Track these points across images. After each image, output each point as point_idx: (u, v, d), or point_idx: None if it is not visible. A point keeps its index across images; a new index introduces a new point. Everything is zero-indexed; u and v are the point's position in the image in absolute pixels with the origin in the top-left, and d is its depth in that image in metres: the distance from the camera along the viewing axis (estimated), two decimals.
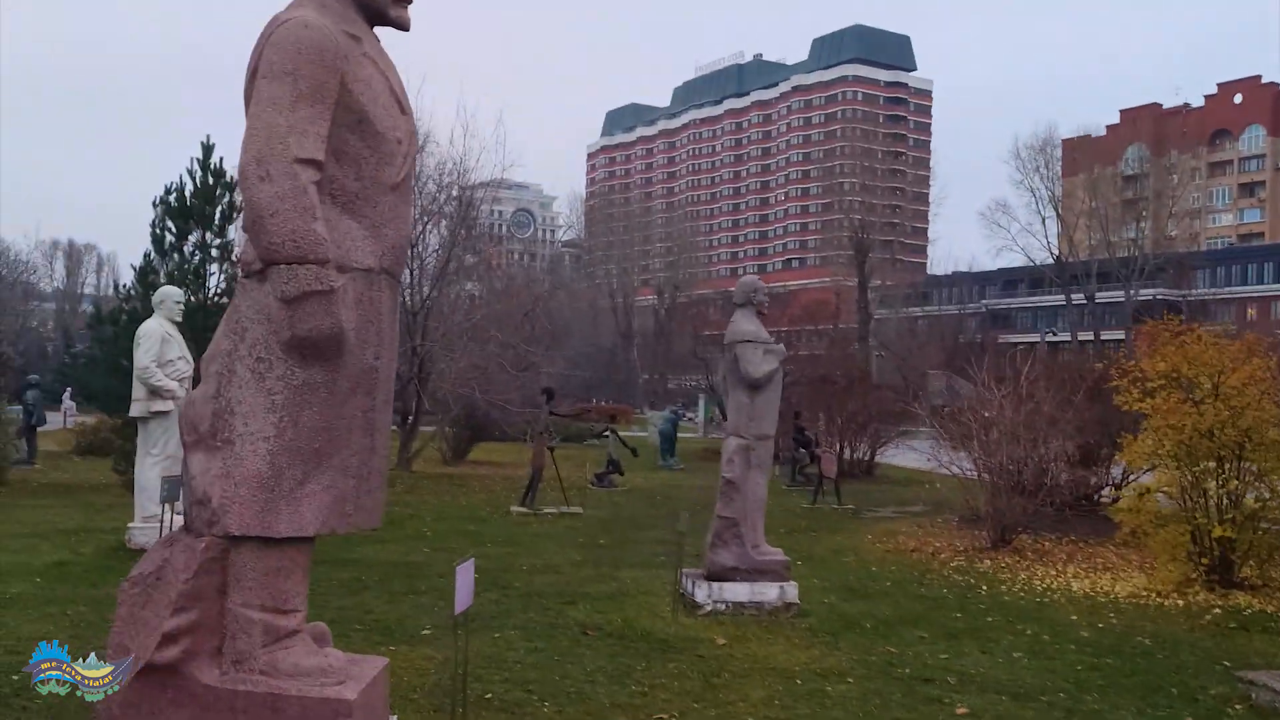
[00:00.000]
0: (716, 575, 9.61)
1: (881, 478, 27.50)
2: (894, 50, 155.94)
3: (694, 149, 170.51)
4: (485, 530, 15.51)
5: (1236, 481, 11.70)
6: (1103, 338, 70.28)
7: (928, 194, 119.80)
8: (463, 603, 6.11)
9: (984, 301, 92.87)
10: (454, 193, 26.49)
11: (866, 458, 28.27)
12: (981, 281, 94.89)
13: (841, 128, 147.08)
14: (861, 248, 71.56)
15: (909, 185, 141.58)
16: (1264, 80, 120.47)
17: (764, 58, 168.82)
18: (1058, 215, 76.73)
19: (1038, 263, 78.12)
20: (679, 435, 33.54)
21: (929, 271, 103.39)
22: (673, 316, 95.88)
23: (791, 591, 9.67)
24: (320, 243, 4.10)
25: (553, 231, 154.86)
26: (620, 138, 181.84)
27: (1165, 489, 12.40)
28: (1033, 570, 13.18)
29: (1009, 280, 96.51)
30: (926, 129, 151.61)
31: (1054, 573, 13.05)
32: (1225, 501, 11.90)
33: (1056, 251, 75.48)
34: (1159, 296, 79.77)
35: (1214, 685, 7.65)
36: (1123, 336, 71.03)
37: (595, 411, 48.16)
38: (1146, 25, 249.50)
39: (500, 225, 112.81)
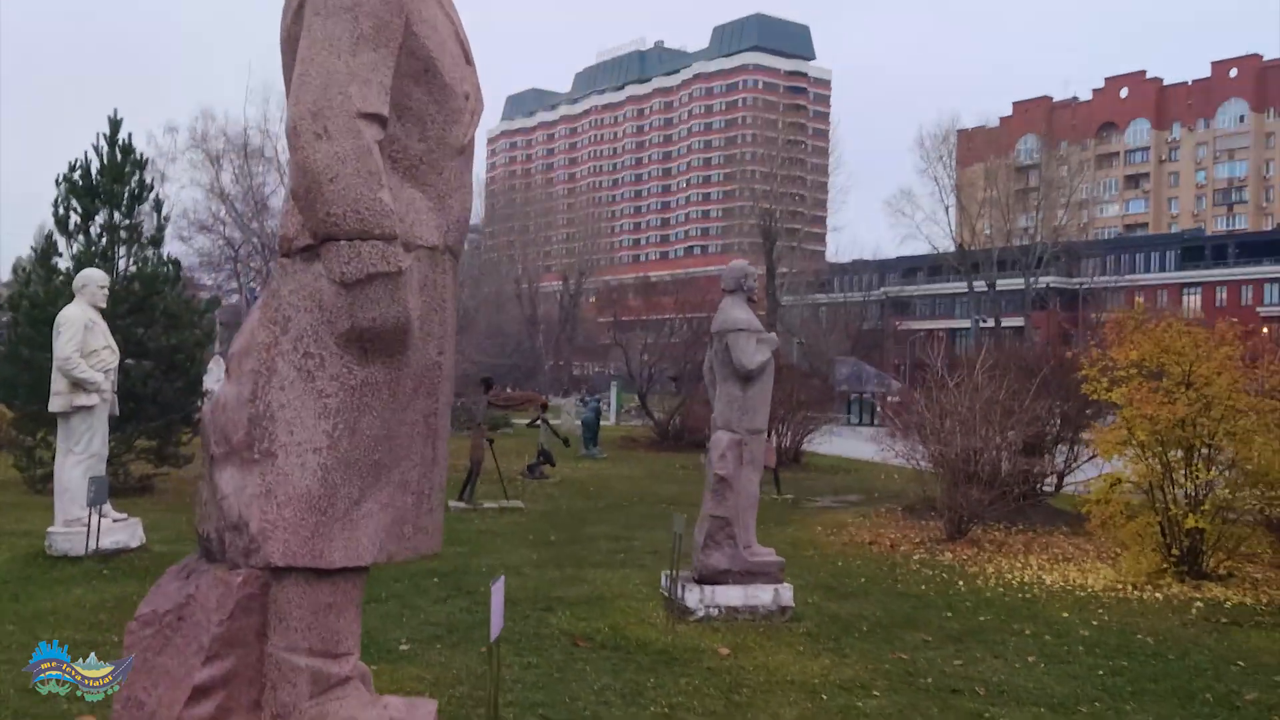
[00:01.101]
0: (708, 578, 9.05)
1: (810, 466, 27.29)
2: (794, 40, 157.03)
3: (596, 135, 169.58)
4: None
5: (1213, 471, 11.56)
6: (1003, 324, 71.65)
7: (827, 182, 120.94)
8: (497, 626, 5.44)
9: (884, 289, 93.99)
10: None
11: (794, 446, 28.05)
12: (882, 269, 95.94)
13: (742, 115, 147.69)
14: (769, 235, 71.67)
15: (809, 174, 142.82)
16: (1148, 75, 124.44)
17: (665, 45, 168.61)
18: (959, 204, 77.93)
19: (940, 250, 79.31)
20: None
21: (830, 259, 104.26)
22: (578, 303, 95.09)
23: (786, 594, 9.17)
24: (387, 214, 3.41)
25: None
26: (521, 123, 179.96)
27: (1135, 479, 12.24)
28: (997, 563, 12.93)
29: (909, 268, 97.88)
30: (825, 118, 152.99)
31: (1019, 565, 12.82)
32: (1197, 492, 11.76)
33: (958, 240, 76.67)
34: (1051, 285, 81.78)
35: (1246, 689, 7.37)
36: (1022, 323, 72.58)
37: (530, 401, 47.18)
38: (1043, 17, 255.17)
39: None
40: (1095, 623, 9.65)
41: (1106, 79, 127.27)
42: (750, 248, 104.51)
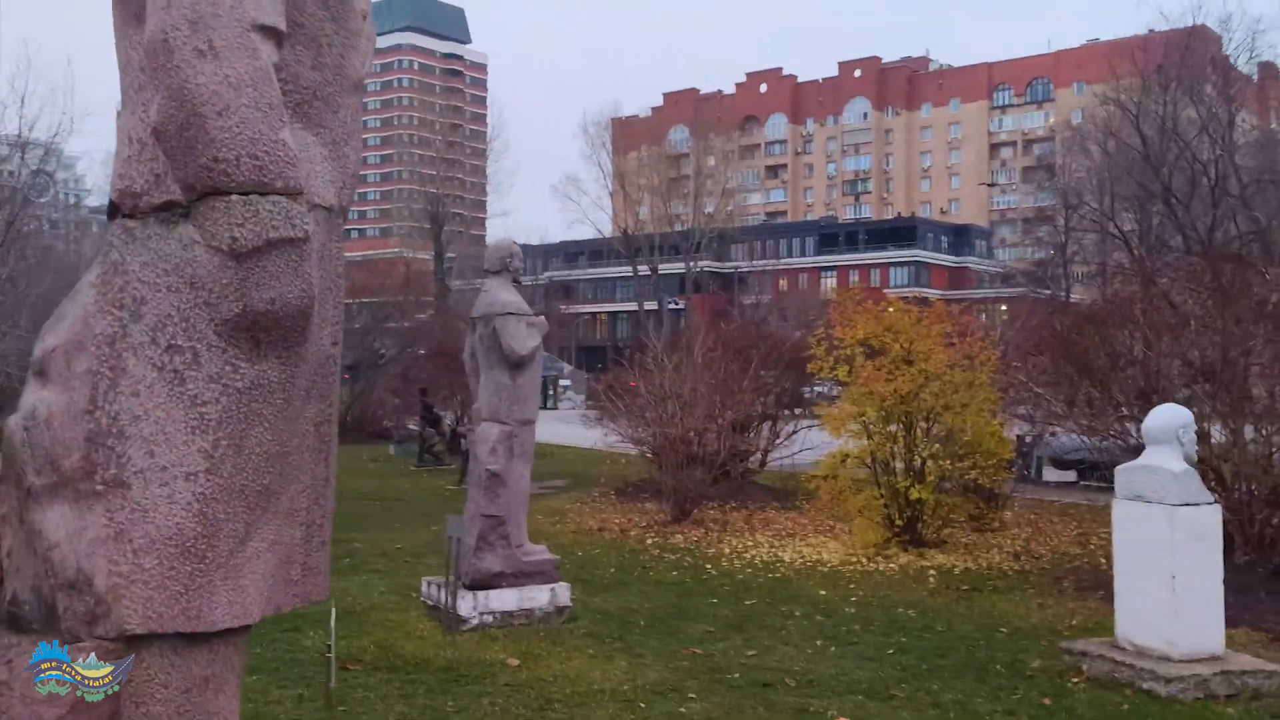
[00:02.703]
0: (481, 583, 8.34)
1: None
2: (448, 22, 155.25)
3: None
4: None
5: (935, 446, 12.09)
6: (668, 307, 74.15)
7: (484, 166, 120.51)
8: None
9: (547, 273, 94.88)
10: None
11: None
12: (546, 254, 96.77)
13: (398, 96, 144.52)
14: (436, 220, 70.37)
15: (468, 159, 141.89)
16: (784, 72, 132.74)
17: None
18: (622, 190, 79.81)
19: (605, 235, 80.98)
20: None
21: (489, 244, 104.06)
22: None
23: (564, 594, 8.63)
24: (292, 161, 2.60)
25: (78, 196, 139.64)
26: None
27: (860, 455, 12.64)
28: (729, 542, 13.00)
29: (571, 253, 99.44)
30: (484, 102, 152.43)
31: (751, 544, 12.95)
32: (920, 464, 12.28)
33: (622, 225, 78.53)
34: (706, 269, 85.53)
35: (1026, 657, 7.59)
36: (682, 306, 75.41)
37: None
38: (694, 12, 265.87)
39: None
40: (854, 599, 9.78)
41: (748, 74, 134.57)
42: (413, 231, 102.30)
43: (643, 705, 6.45)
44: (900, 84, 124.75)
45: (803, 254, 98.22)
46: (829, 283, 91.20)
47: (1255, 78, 45.62)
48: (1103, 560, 11.76)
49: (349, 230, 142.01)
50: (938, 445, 12.02)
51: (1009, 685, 6.92)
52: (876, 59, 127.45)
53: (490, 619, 8.25)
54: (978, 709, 6.42)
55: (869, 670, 7.29)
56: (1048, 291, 50.26)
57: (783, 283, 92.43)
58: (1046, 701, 6.54)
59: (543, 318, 8.85)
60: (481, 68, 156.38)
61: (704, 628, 8.54)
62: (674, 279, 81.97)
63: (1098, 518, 14.92)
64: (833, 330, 13.22)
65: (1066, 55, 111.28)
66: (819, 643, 8.07)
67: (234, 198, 2.53)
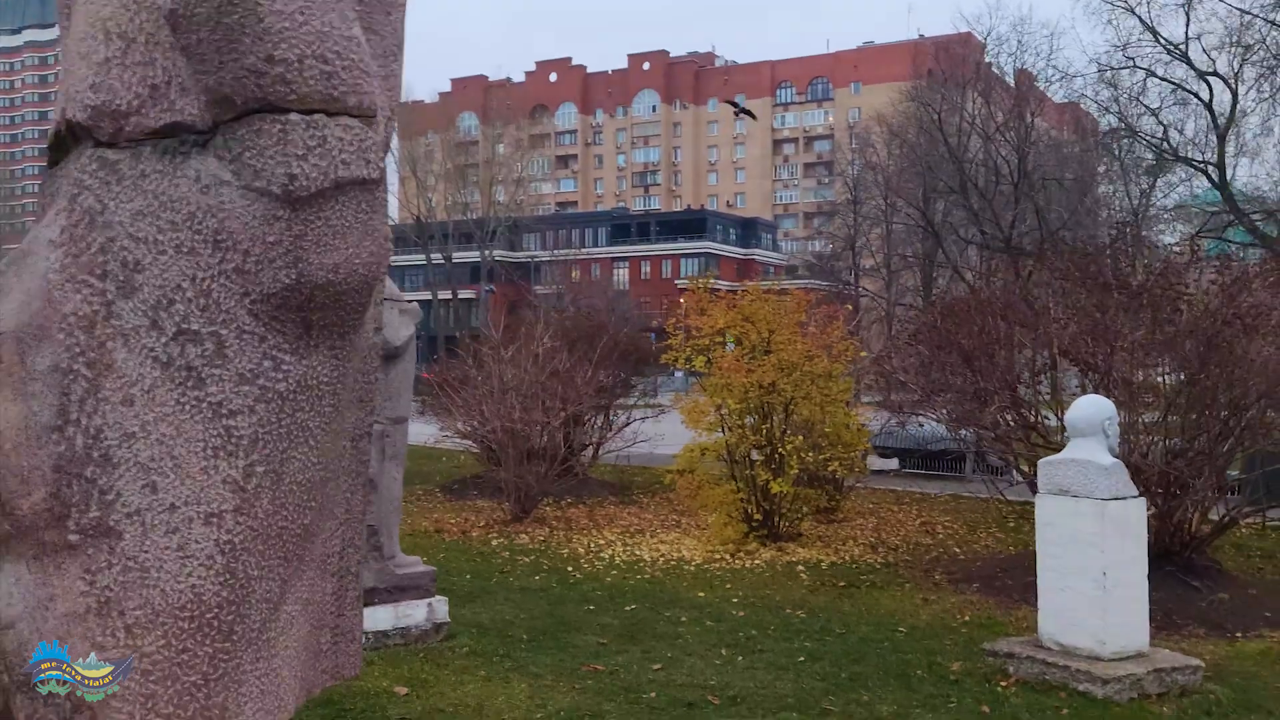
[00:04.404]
0: None
1: None
2: None
3: None
4: None
5: (799, 437, 11.81)
6: (460, 295, 72.61)
7: None
8: None
9: None
10: None
11: None
12: None
13: None
14: None
15: None
16: (574, 62, 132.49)
17: None
18: (414, 176, 77.65)
19: (398, 222, 78.67)
20: None
21: None
22: None
23: (441, 609, 7.82)
24: (367, 69, 1.87)
25: None
26: None
27: (718, 448, 12.27)
28: (580, 541, 12.41)
29: None
30: None
31: (603, 542, 12.40)
32: (780, 457, 11.99)
33: (415, 212, 76.45)
34: (498, 258, 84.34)
35: (943, 659, 7.31)
36: (475, 295, 74.04)
37: None
38: None
39: None
40: (735, 600, 9.36)
41: (538, 63, 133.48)
42: None
43: None
44: (688, 78, 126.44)
45: (596, 244, 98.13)
46: (622, 273, 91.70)
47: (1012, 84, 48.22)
48: (957, 550, 11.81)
49: None
50: (800, 437, 11.74)
51: (939, 693, 6.59)
52: (665, 53, 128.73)
53: (366, 640, 7.36)
54: None
55: (788, 682, 6.83)
56: (833, 284, 51.71)
57: (575, 272, 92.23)
58: (985, 709, 6.24)
59: (415, 304, 8.01)
60: None
61: (594, 639, 7.91)
62: (466, 268, 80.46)
63: (933, 505, 15.14)
64: (686, 320, 12.78)
65: (845, 56, 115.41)
66: (723, 652, 7.56)
67: (293, 117, 1.77)
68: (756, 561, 11.15)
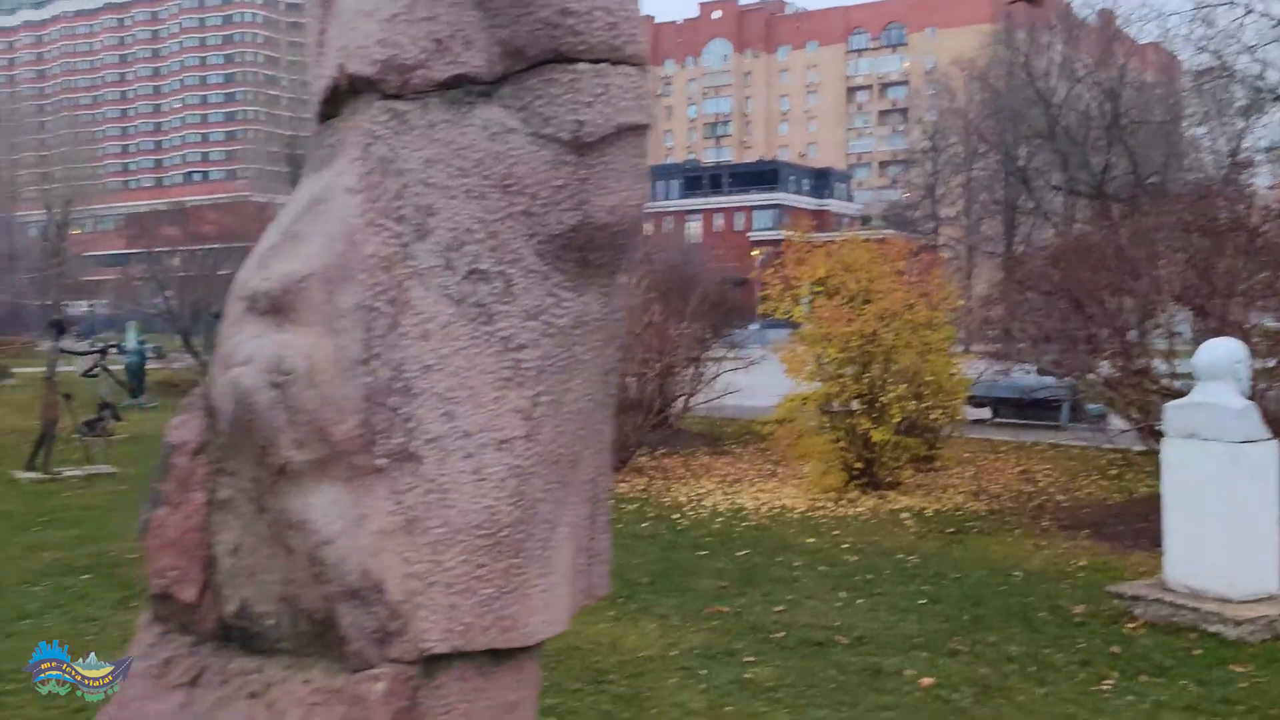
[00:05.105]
0: None
1: None
2: None
3: (68, 46, 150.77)
4: (12, 508, 11.70)
5: (903, 386, 11.82)
6: None
7: None
8: None
9: None
10: None
11: None
12: None
13: (240, 32, 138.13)
14: (295, 161, 67.63)
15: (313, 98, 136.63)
16: (643, 12, 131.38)
17: None
18: None
19: None
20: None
21: None
22: (65, 235, 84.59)
23: None
24: (639, 19, 1.98)
25: None
26: None
27: (818, 397, 12.31)
28: (680, 490, 12.57)
29: None
30: None
31: (703, 490, 12.55)
32: (879, 405, 12.02)
33: None
34: None
35: (1070, 603, 7.34)
36: None
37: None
38: None
39: None
40: (845, 546, 9.45)
41: None
42: (260, 174, 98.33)
43: (704, 672, 5.96)
44: (759, 26, 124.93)
45: (668, 197, 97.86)
46: (694, 225, 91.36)
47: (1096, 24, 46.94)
48: (1060, 497, 11.77)
49: (191, 173, 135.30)
50: (903, 385, 11.75)
51: (1065, 634, 6.65)
52: (735, 1, 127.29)
53: None
54: (1051, 660, 6.13)
55: (912, 623, 6.94)
56: (911, 233, 51.10)
57: (650, 225, 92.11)
58: (1115, 650, 6.29)
59: None
60: None
61: (712, 583, 8.08)
62: None
63: (1030, 454, 15.07)
64: (784, 270, 12.80)
65: (921, 0, 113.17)
66: (842, 595, 7.69)
67: (582, 67, 1.88)
68: (859, 509, 11.22)
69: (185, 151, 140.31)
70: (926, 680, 5.78)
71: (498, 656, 2.02)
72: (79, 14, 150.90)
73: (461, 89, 1.96)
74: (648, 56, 1.98)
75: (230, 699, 2.00)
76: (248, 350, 1.99)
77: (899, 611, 7.23)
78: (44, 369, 15.90)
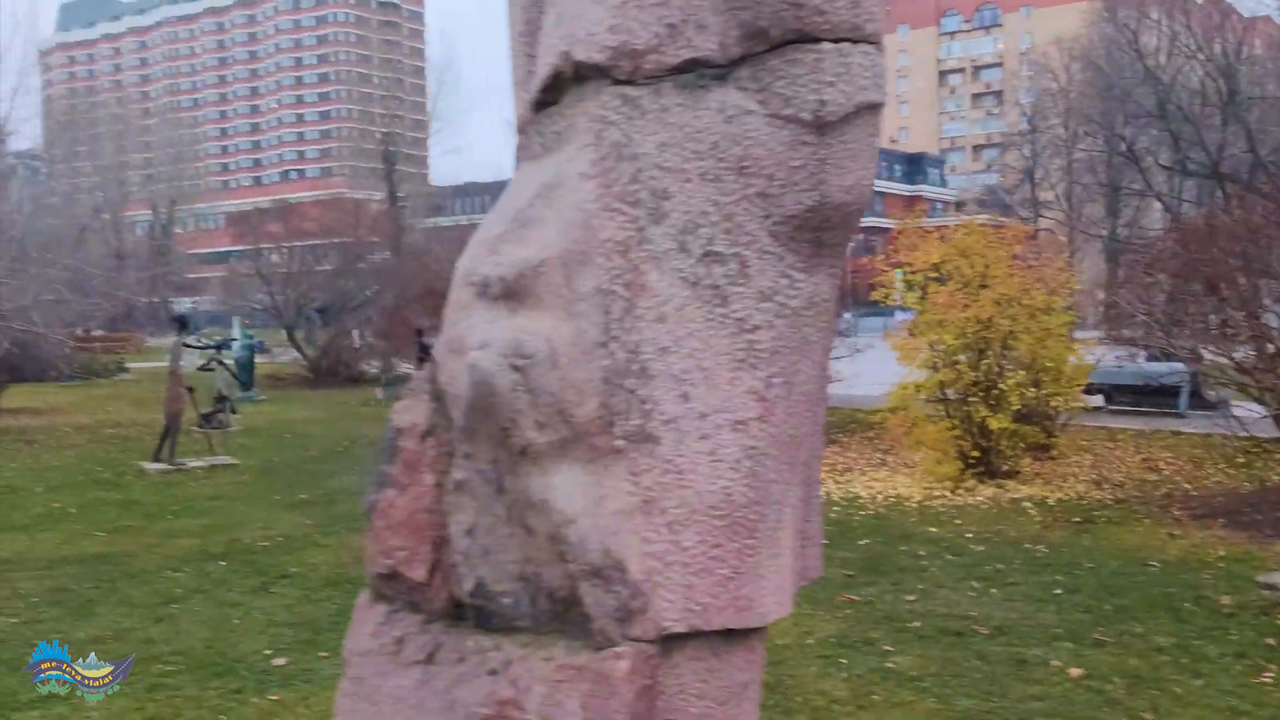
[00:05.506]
0: None
1: None
2: None
3: (171, 50, 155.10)
4: (143, 498, 12.14)
5: (1022, 373, 11.61)
6: None
7: (424, 103, 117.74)
8: None
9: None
10: None
11: None
12: (496, 191, 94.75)
13: (334, 32, 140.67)
14: (389, 158, 68.63)
15: (409, 95, 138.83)
16: None
17: None
18: None
19: None
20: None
21: (448, 182, 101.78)
22: (170, 233, 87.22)
23: None
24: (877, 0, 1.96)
25: None
26: (80, 34, 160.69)
27: (931, 385, 12.15)
28: None
29: None
30: (420, 36, 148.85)
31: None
32: (997, 392, 11.82)
33: None
34: None
35: (1216, 594, 7.15)
36: None
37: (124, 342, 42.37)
38: None
39: None
40: (969, 535, 9.32)
41: None
42: (354, 171, 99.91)
43: (844, 661, 5.92)
44: None
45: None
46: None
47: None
48: (1187, 486, 11.46)
49: (287, 171, 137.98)
50: (1021, 372, 11.54)
51: (1214, 625, 6.47)
52: None
53: None
54: (1203, 652, 5.97)
55: (1050, 613, 6.82)
56: (1009, 218, 50.06)
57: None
58: (1270, 641, 6.11)
59: None
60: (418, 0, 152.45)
61: (838, 571, 8.01)
62: None
63: (1150, 442, 14.69)
64: (898, 256, 12.65)
65: None
66: (974, 584, 7.59)
67: (825, 46, 1.87)
68: (978, 498, 11.06)
69: (282, 150, 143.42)
70: (1075, 671, 5.67)
71: (730, 637, 2.03)
72: (180, 19, 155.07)
73: (694, 73, 1.96)
74: (882, 35, 1.96)
75: (470, 676, 2.04)
76: (482, 335, 2.02)
77: (1035, 601, 7.11)
78: (166, 363, 16.41)
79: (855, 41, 1.89)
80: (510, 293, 2.01)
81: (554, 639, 2.00)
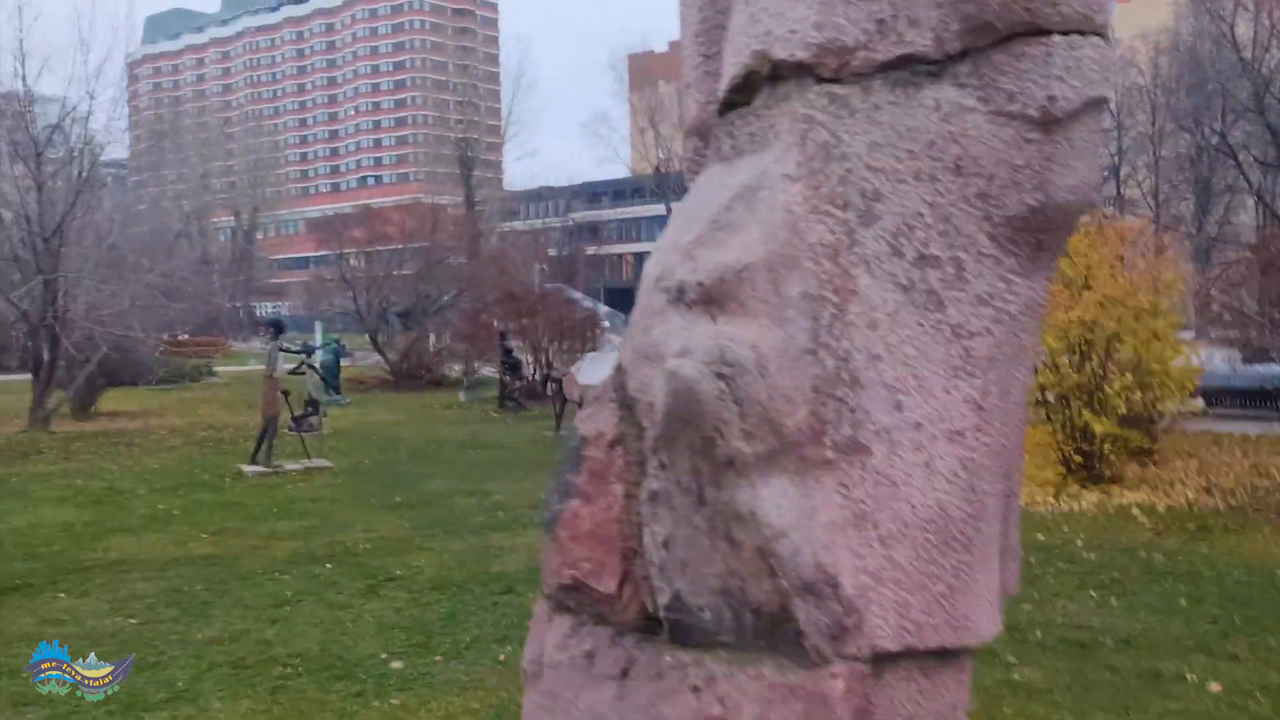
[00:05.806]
0: None
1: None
2: None
3: (252, 60, 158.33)
4: (244, 500, 12.34)
5: (1128, 375, 11.32)
6: None
7: (500, 108, 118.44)
8: None
9: (570, 214, 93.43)
10: None
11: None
12: (569, 195, 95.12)
13: (410, 39, 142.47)
14: (466, 163, 69.31)
15: (483, 100, 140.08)
16: None
17: None
18: (653, 127, 78.30)
19: (635, 173, 79.75)
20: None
21: (522, 187, 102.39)
22: (253, 239, 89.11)
23: None
24: None
25: (92, 151, 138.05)
26: (165, 46, 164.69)
27: (1038, 387, 11.89)
28: None
29: (594, 193, 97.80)
30: (495, 42, 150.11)
31: None
32: (1101, 395, 11.53)
33: (655, 163, 77.16)
34: None
35: None
36: None
37: (213, 346, 43.34)
38: None
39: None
40: (1079, 542, 9.08)
41: None
42: (430, 176, 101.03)
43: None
44: None
45: None
46: None
47: None
48: None
49: (365, 177, 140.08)
50: (1129, 375, 11.24)
51: None
52: None
53: None
54: None
55: (1178, 625, 6.60)
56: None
57: None
58: None
59: None
60: (492, 6, 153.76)
61: None
62: None
63: (1259, 447, 14.23)
64: None
65: None
66: (1093, 594, 7.38)
67: (1056, 39, 1.78)
68: (1083, 504, 10.79)
69: (360, 156, 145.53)
70: (1214, 685, 5.47)
71: (943, 657, 1.95)
72: (261, 29, 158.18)
73: (906, 70, 1.89)
74: (1109, 27, 1.87)
75: (672, 692, 1.98)
76: (680, 342, 1.96)
77: (1159, 612, 6.89)
78: (252, 367, 16.71)
79: (1084, 34, 1.80)
80: (710, 298, 1.95)
81: (760, 656, 1.93)
